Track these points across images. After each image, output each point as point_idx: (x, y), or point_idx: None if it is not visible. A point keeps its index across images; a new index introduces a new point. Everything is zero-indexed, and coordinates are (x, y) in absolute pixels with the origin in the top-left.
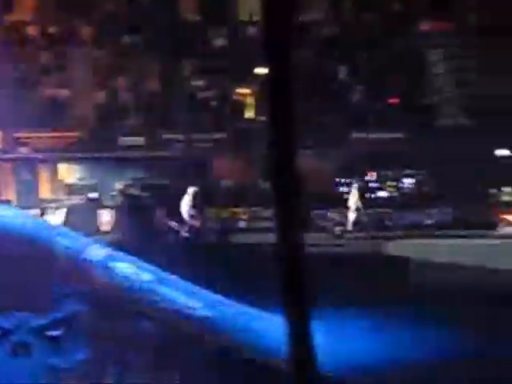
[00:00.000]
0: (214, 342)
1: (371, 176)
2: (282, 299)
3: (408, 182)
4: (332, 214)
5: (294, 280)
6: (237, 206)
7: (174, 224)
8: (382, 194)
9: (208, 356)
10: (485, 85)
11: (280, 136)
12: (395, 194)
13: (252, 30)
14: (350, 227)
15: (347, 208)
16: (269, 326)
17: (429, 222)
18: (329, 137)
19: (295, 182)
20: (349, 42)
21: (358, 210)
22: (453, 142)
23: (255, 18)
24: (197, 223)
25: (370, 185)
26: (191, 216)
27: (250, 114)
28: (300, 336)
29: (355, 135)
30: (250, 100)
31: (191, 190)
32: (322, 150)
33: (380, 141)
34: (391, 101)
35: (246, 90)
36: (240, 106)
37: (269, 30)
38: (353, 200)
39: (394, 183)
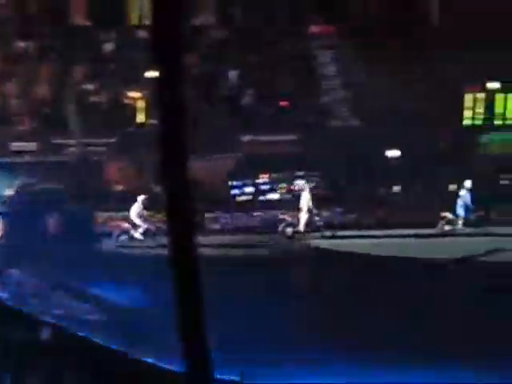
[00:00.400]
0: (105, 345)
1: (263, 178)
2: (175, 301)
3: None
4: (284, 215)
5: (187, 282)
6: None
7: (126, 226)
8: (275, 196)
9: (99, 359)
10: (374, 86)
11: (171, 139)
12: (287, 196)
13: (142, 34)
14: (301, 228)
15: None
16: (163, 329)
17: (321, 223)
18: (220, 140)
19: (186, 186)
20: (239, 44)
21: (309, 211)
22: (344, 143)
23: (146, 22)
24: (151, 225)
25: (262, 187)
26: (144, 219)
27: (141, 117)
28: (192, 335)
29: (247, 138)
30: (141, 104)
31: (141, 197)
32: (214, 153)
33: (272, 143)
34: (282, 103)
35: (138, 94)
36: (131, 110)
37: (159, 34)
38: (304, 201)
39: (286, 185)
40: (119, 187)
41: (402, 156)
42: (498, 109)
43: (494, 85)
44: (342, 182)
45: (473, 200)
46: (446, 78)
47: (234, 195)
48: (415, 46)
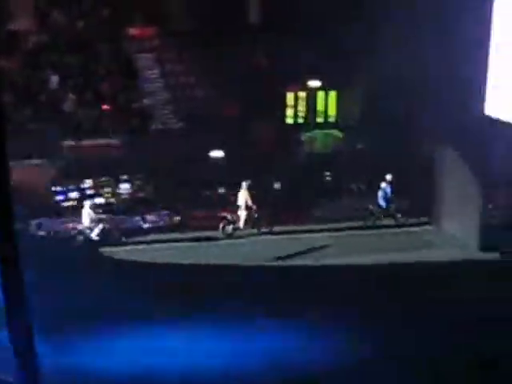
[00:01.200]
0: None
1: (88, 183)
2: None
3: (125, 187)
4: (224, 213)
5: (13, 288)
6: None
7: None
8: (99, 200)
9: None
10: (196, 87)
11: None
12: (112, 199)
13: None
14: (241, 226)
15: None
16: None
17: (146, 226)
18: (43, 145)
19: (7, 191)
20: (59, 49)
21: (248, 208)
22: (167, 146)
23: None
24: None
25: (87, 192)
26: (98, 220)
27: None
28: (21, 344)
29: (69, 143)
30: None
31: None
32: (37, 159)
33: (95, 147)
34: (104, 107)
35: None
36: None
37: None
38: (242, 199)
39: (111, 189)
40: None
41: (227, 156)
42: (320, 106)
43: (315, 83)
44: (167, 184)
45: (393, 192)
46: (268, 77)
47: (58, 201)
48: (237, 45)
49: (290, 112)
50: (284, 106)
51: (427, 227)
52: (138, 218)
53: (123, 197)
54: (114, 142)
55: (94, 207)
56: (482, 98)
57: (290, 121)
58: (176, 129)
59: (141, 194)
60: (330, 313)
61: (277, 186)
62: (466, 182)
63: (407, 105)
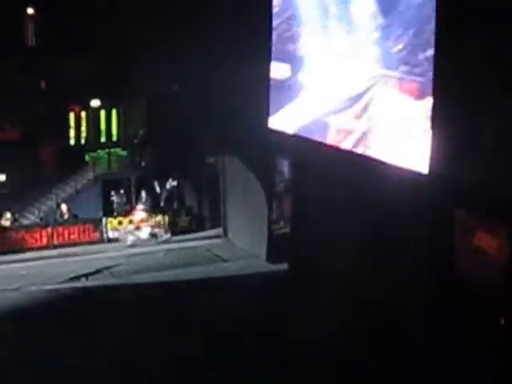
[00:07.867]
0: None
1: None
2: None
3: None
4: None
5: None
6: None
7: None
8: None
9: None
10: None
11: None
12: None
13: None
14: None
15: None
16: None
17: None
18: None
19: None
20: None
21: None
22: None
23: None
24: None
25: None
26: None
27: None
28: None
29: None
30: None
31: None
32: None
33: None
34: None
35: None
36: None
37: None
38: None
39: None
40: None
41: (9, 180)
42: (103, 126)
43: (96, 102)
44: None
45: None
46: (49, 99)
47: None
48: (15, 68)
49: (72, 133)
50: (67, 127)
51: (217, 241)
52: None
53: None
54: None
55: None
56: (265, 110)
57: (72, 142)
58: None
59: None
60: None
61: (63, 208)
62: (251, 194)
63: (191, 118)
